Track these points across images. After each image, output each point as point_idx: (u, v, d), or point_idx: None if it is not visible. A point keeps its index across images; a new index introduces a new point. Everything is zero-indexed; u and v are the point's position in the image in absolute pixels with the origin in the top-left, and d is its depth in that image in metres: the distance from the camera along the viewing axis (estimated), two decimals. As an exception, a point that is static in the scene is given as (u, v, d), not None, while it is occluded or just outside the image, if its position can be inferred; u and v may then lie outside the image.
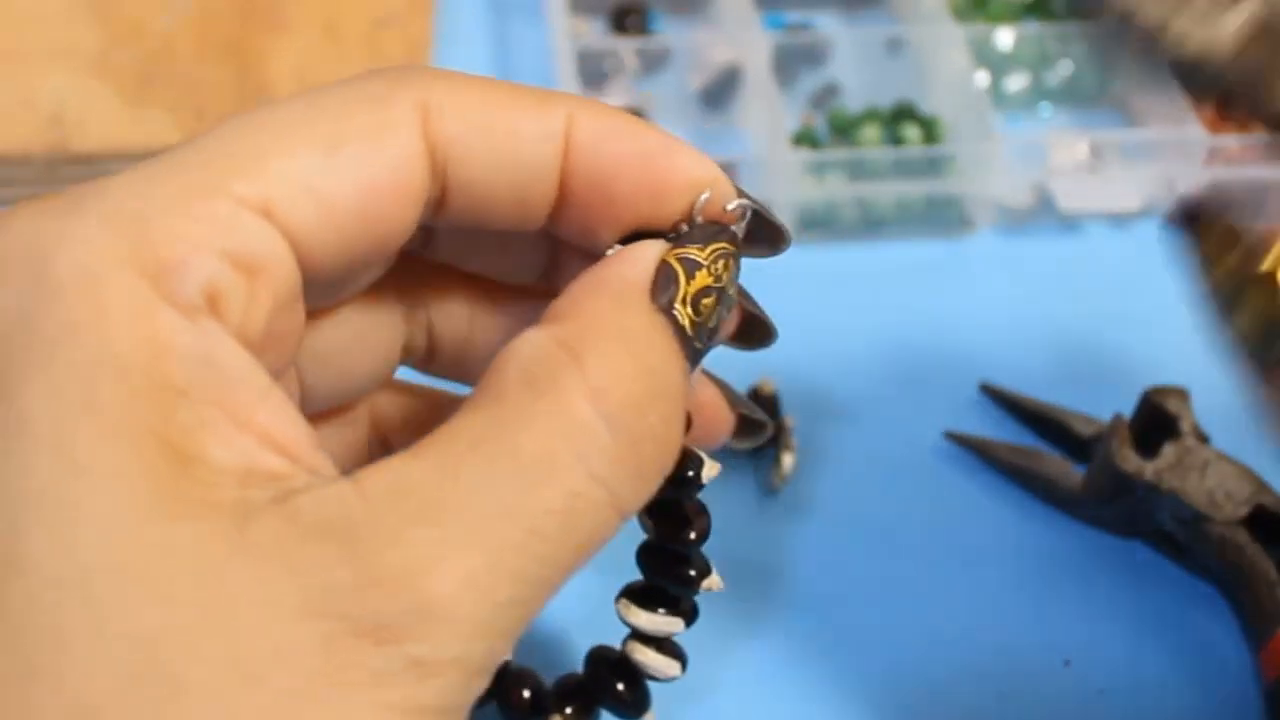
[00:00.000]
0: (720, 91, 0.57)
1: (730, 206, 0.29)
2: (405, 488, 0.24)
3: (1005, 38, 0.57)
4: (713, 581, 0.32)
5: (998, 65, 0.57)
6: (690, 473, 0.31)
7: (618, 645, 0.35)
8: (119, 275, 0.24)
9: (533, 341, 0.26)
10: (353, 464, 0.30)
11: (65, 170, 0.52)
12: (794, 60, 0.57)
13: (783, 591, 0.41)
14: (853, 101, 0.57)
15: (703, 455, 0.31)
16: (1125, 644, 0.40)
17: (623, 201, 0.29)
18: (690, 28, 0.60)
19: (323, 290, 0.29)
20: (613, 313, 0.27)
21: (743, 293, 0.32)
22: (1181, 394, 0.43)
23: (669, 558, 0.33)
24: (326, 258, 0.27)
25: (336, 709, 0.22)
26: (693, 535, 0.32)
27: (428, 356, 0.34)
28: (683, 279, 0.28)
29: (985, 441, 0.45)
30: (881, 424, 0.46)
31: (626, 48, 0.57)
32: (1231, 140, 0.53)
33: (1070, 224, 0.53)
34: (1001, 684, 0.39)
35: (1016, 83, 0.58)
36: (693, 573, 0.32)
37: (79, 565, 0.22)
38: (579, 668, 0.36)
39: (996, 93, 0.57)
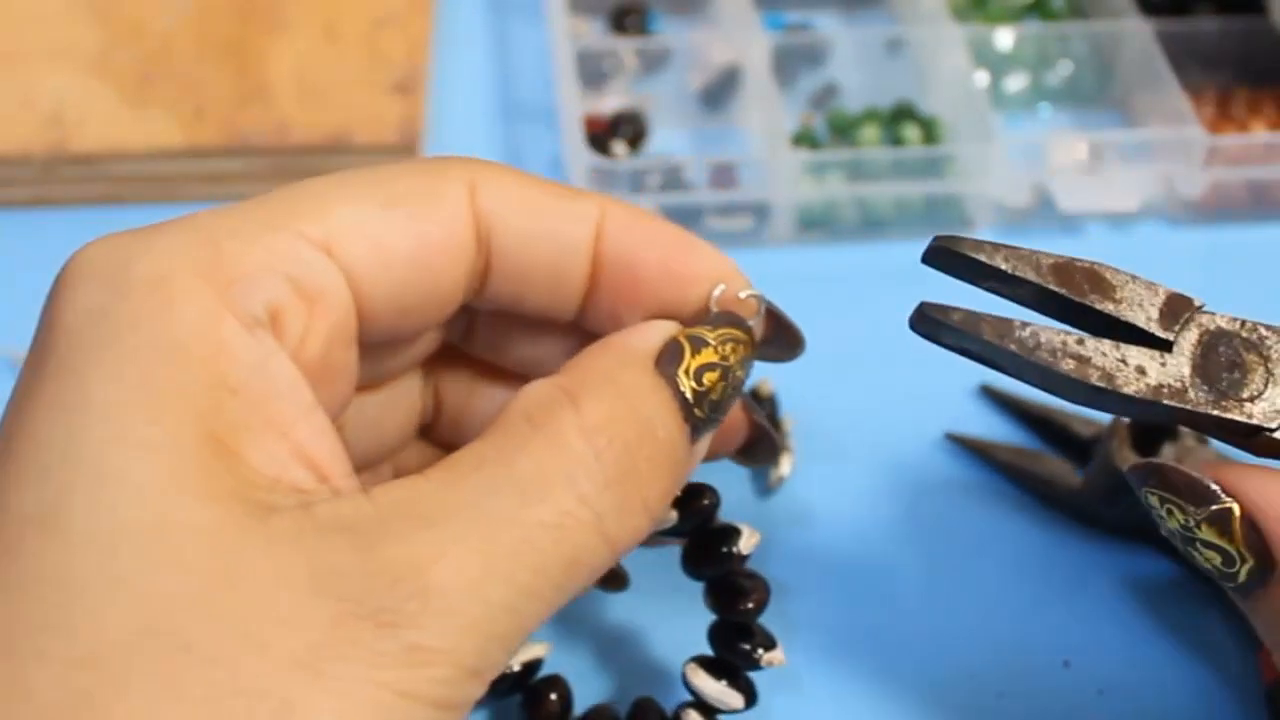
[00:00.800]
0: (720, 92, 0.57)
1: (743, 295, 0.32)
2: (412, 497, 0.26)
3: (1005, 38, 0.57)
4: (774, 656, 0.34)
5: (997, 65, 0.57)
6: (730, 547, 0.33)
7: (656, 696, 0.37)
8: (189, 281, 0.27)
9: (535, 388, 0.29)
10: None
11: (65, 170, 0.52)
12: (794, 60, 0.57)
13: (781, 592, 0.41)
14: (852, 102, 0.57)
15: (741, 527, 0.33)
16: (1125, 644, 0.40)
17: (649, 286, 0.32)
18: (690, 28, 0.60)
19: (376, 353, 0.32)
20: (613, 367, 0.29)
21: (753, 406, 0.35)
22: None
23: (733, 630, 0.35)
24: (380, 304, 0.30)
25: (334, 681, 0.24)
26: (750, 605, 0.35)
27: (430, 423, 0.36)
28: (688, 352, 0.30)
29: (985, 442, 0.45)
30: (881, 424, 0.46)
31: (626, 48, 0.57)
32: (1231, 140, 0.53)
33: (1070, 224, 0.53)
34: (1001, 684, 0.39)
35: (1016, 83, 0.58)
36: (756, 648, 0.35)
37: (109, 527, 0.24)
38: (610, 693, 0.38)
39: (996, 93, 0.57)
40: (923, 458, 0.45)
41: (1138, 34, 0.56)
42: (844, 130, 0.55)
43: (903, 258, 0.53)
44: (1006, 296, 0.33)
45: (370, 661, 0.24)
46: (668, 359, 0.30)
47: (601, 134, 0.54)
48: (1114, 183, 0.52)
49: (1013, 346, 0.31)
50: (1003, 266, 0.32)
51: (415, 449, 0.36)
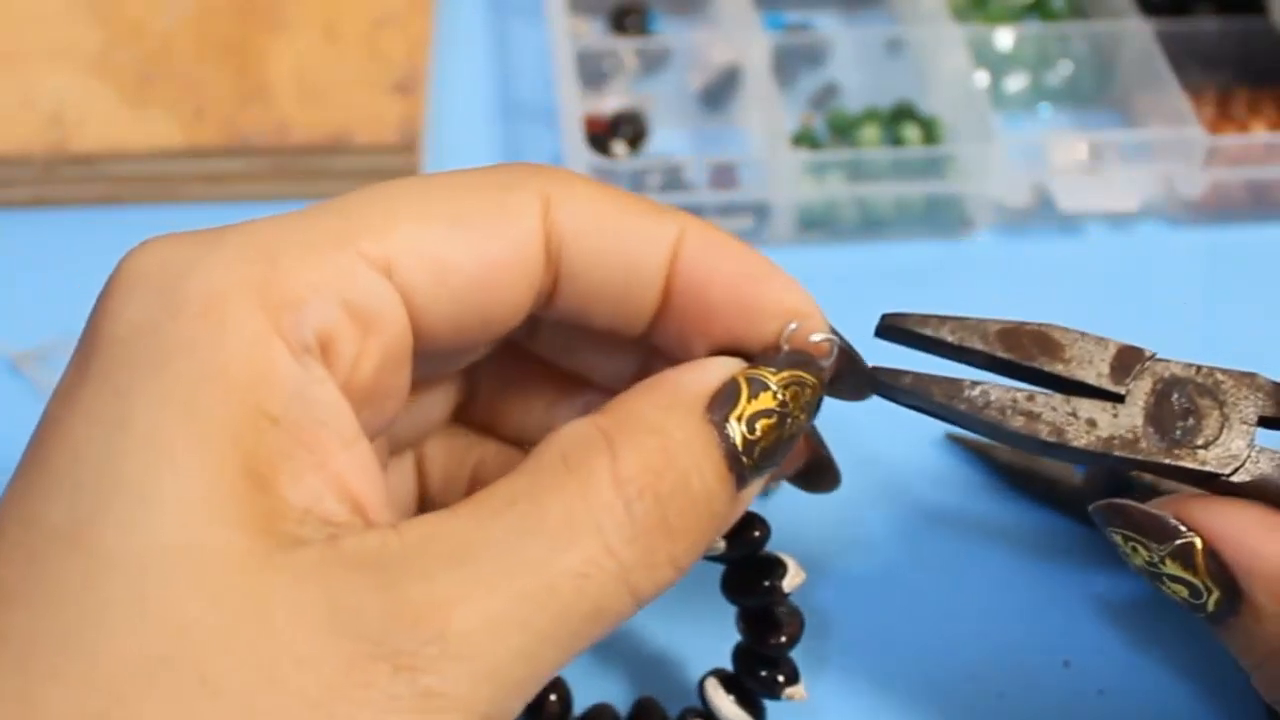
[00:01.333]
0: (720, 92, 0.57)
1: (816, 338, 0.31)
2: (439, 534, 0.26)
3: (1005, 38, 0.57)
4: (796, 691, 0.34)
5: (997, 65, 0.57)
6: (773, 581, 0.33)
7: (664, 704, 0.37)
8: (241, 303, 0.26)
9: (575, 427, 0.28)
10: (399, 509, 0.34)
11: (65, 170, 0.52)
12: (794, 60, 0.57)
13: (783, 591, 0.41)
14: (852, 102, 0.57)
15: (790, 562, 0.33)
16: (1125, 644, 0.40)
17: (719, 315, 0.31)
18: (690, 28, 0.60)
19: (429, 363, 0.31)
20: (657, 412, 0.28)
21: (815, 434, 0.34)
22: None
23: (760, 657, 0.35)
24: (438, 325, 0.29)
25: None
26: (783, 639, 0.35)
27: (461, 409, 0.36)
28: (744, 396, 0.29)
29: (985, 442, 0.45)
30: (881, 424, 0.46)
31: (626, 48, 0.57)
32: (1231, 140, 0.53)
33: (1070, 224, 0.53)
34: (1001, 684, 0.39)
35: (1016, 83, 0.58)
36: (779, 678, 0.35)
37: (137, 548, 0.24)
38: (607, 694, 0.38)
39: (996, 93, 0.57)
40: (923, 458, 0.45)
41: (1138, 34, 0.56)
42: (844, 130, 0.55)
43: (903, 258, 0.53)
44: (961, 362, 0.33)
45: (384, 705, 0.24)
46: (720, 403, 0.28)
47: (601, 134, 0.54)
48: (1114, 183, 0.52)
49: (963, 406, 0.32)
50: (949, 339, 0.33)
51: (443, 435, 0.36)
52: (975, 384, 0.32)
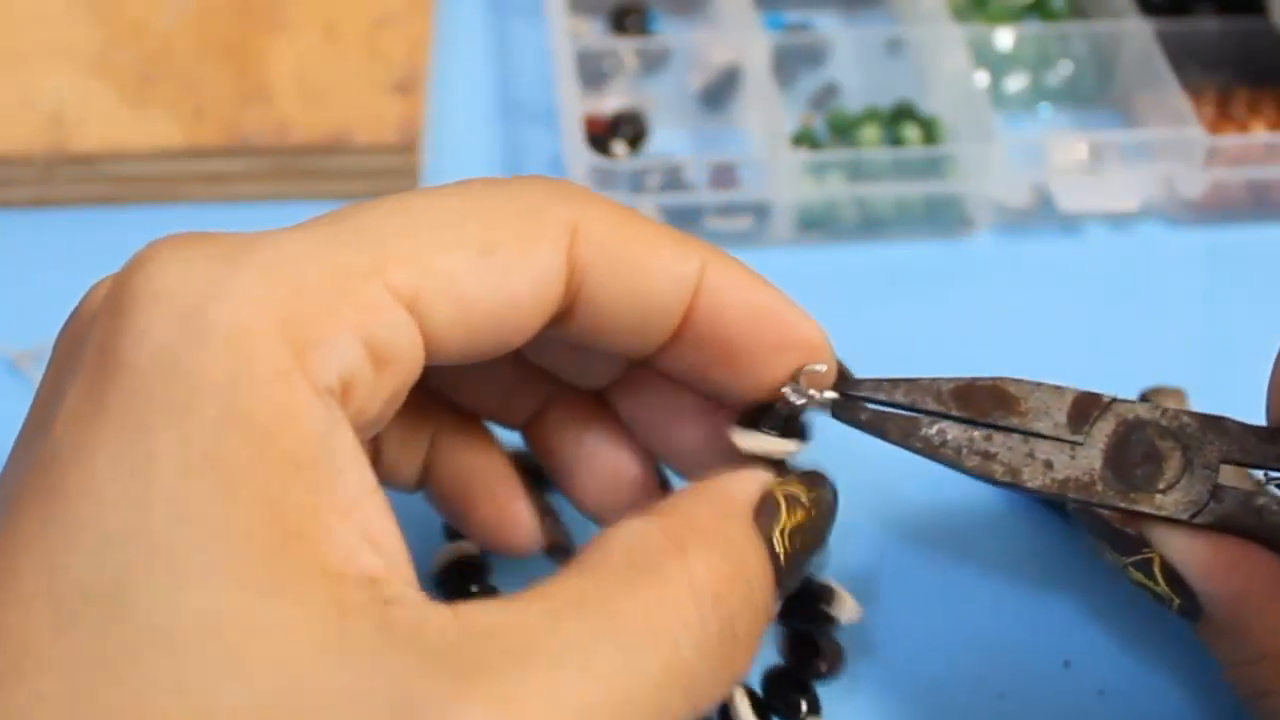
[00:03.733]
0: (720, 92, 0.57)
1: (819, 367, 0.32)
2: (505, 626, 0.24)
3: (1005, 38, 0.57)
4: None
5: (997, 65, 0.57)
6: (830, 609, 0.34)
7: None
8: (268, 340, 0.25)
9: (638, 528, 0.27)
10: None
11: (65, 170, 0.52)
12: (794, 60, 0.57)
13: (782, 592, 0.41)
14: (852, 102, 0.57)
15: (845, 596, 0.33)
16: (1125, 644, 0.40)
17: (735, 350, 0.31)
18: (690, 28, 0.60)
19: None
20: (718, 520, 0.28)
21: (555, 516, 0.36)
22: (1179, 395, 0.43)
23: (791, 681, 0.35)
24: (449, 353, 0.28)
25: None
26: (824, 669, 0.35)
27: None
28: (783, 512, 0.30)
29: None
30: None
31: (626, 48, 0.57)
32: (1231, 140, 0.53)
33: (1070, 224, 0.53)
34: (1001, 684, 0.39)
35: (1016, 83, 0.58)
36: (804, 705, 0.35)
37: (169, 620, 0.22)
38: None
39: (996, 93, 0.57)
40: (922, 457, 0.45)
41: (1138, 34, 0.56)
42: (844, 130, 0.55)
43: (903, 258, 0.53)
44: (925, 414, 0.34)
45: None
46: (765, 517, 0.29)
47: (601, 134, 0.54)
48: (1114, 183, 0.52)
49: (918, 445, 0.33)
50: (902, 401, 0.33)
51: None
52: (933, 422, 0.33)
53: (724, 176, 0.52)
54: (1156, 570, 0.33)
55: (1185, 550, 0.32)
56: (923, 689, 0.39)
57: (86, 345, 0.26)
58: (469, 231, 0.28)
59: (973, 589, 0.41)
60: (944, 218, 0.53)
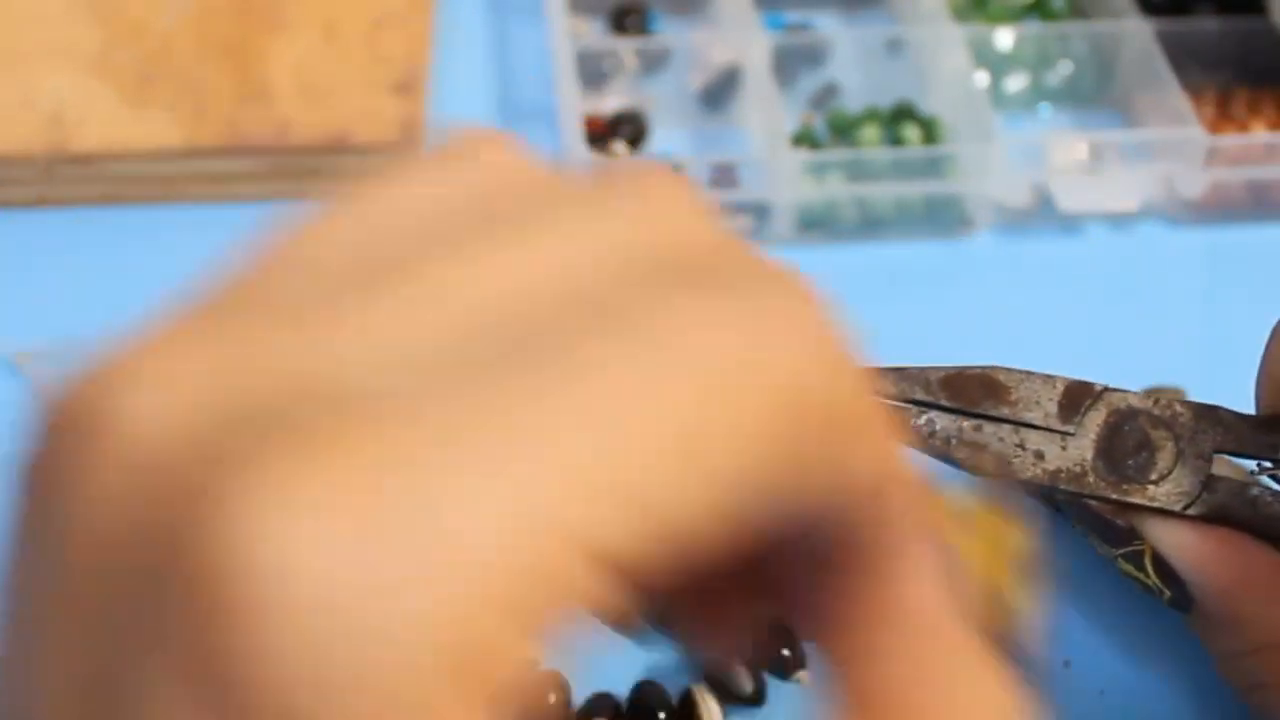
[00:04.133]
0: (720, 92, 0.57)
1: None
2: None
3: (1005, 38, 0.57)
4: (803, 675, 0.36)
5: (997, 65, 0.57)
6: None
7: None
8: (441, 696, 0.15)
9: None
10: None
11: (65, 170, 0.52)
12: (794, 60, 0.57)
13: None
14: (852, 102, 0.57)
15: None
16: (1125, 644, 0.40)
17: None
18: (690, 28, 0.60)
19: None
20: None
21: None
22: (1178, 394, 0.42)
23: (780, 639, 0.36)
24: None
25: None
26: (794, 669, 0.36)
27: None
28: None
29: (985, 441, 0.45)
30: (881, 424, 0.46)
31: (626, 48, 0.57)
32: (1231, 140, 0.53)
33: (1070, 224, 0.53)
34: (1001, 684, 0.39)
35: (1016, 83, 0.58)
36: (789, 655, 0.35)
37: None
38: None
39: (996, 93, 0.57)
40: (922, 457, 0.45)
41: (1138, 34, 0.56)
42: (844, 130, 0.55)
43: (903, 258, 0.53)
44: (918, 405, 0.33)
45: None
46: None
47: (601, 134, 0.54)
48: (1114, 183, 0.52)
49: (909, 438, 0.32)
50: (892, 391, 0.33)
51: None
52: (922, 412, 0.32)
53: (724, 176, 0.52)
54: (1147, 562, 0.32)
55: (1178, 543, 0.32)
56: (923, 689, 0.39)
57: (165, 630, 0.15)
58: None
59: (973, 589, 0.41)
60: (944, 218, 0.53)
